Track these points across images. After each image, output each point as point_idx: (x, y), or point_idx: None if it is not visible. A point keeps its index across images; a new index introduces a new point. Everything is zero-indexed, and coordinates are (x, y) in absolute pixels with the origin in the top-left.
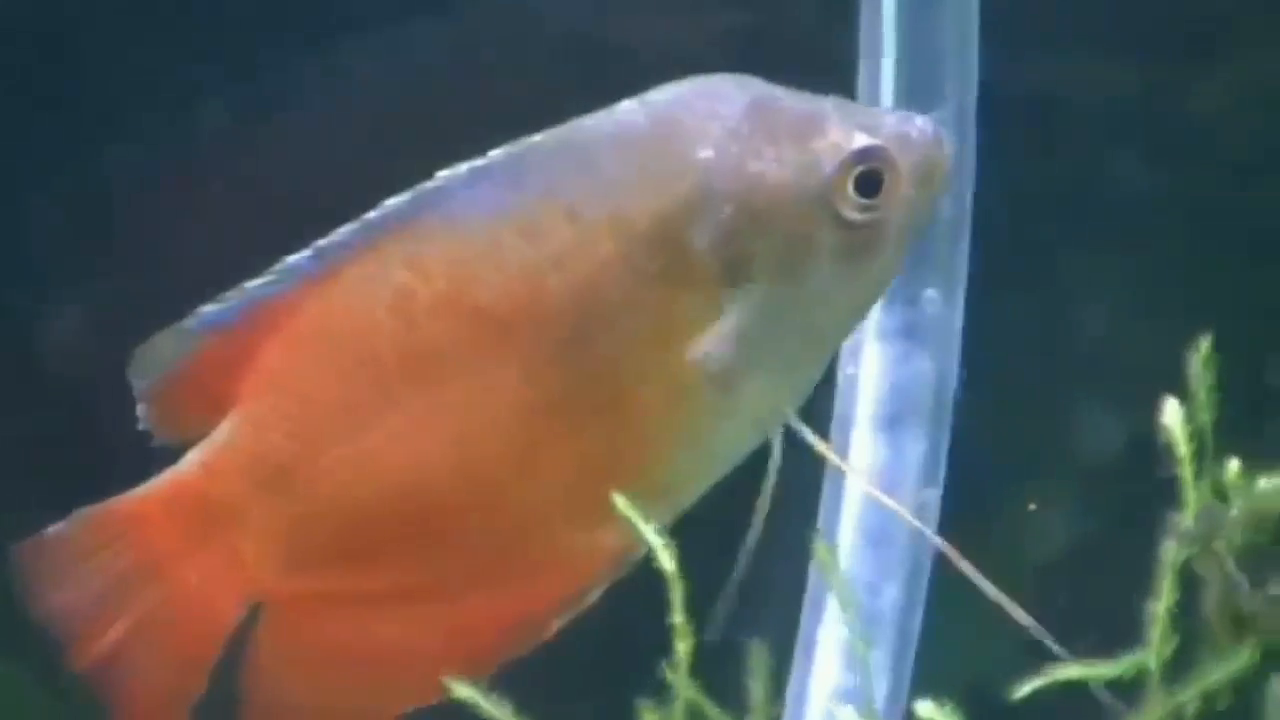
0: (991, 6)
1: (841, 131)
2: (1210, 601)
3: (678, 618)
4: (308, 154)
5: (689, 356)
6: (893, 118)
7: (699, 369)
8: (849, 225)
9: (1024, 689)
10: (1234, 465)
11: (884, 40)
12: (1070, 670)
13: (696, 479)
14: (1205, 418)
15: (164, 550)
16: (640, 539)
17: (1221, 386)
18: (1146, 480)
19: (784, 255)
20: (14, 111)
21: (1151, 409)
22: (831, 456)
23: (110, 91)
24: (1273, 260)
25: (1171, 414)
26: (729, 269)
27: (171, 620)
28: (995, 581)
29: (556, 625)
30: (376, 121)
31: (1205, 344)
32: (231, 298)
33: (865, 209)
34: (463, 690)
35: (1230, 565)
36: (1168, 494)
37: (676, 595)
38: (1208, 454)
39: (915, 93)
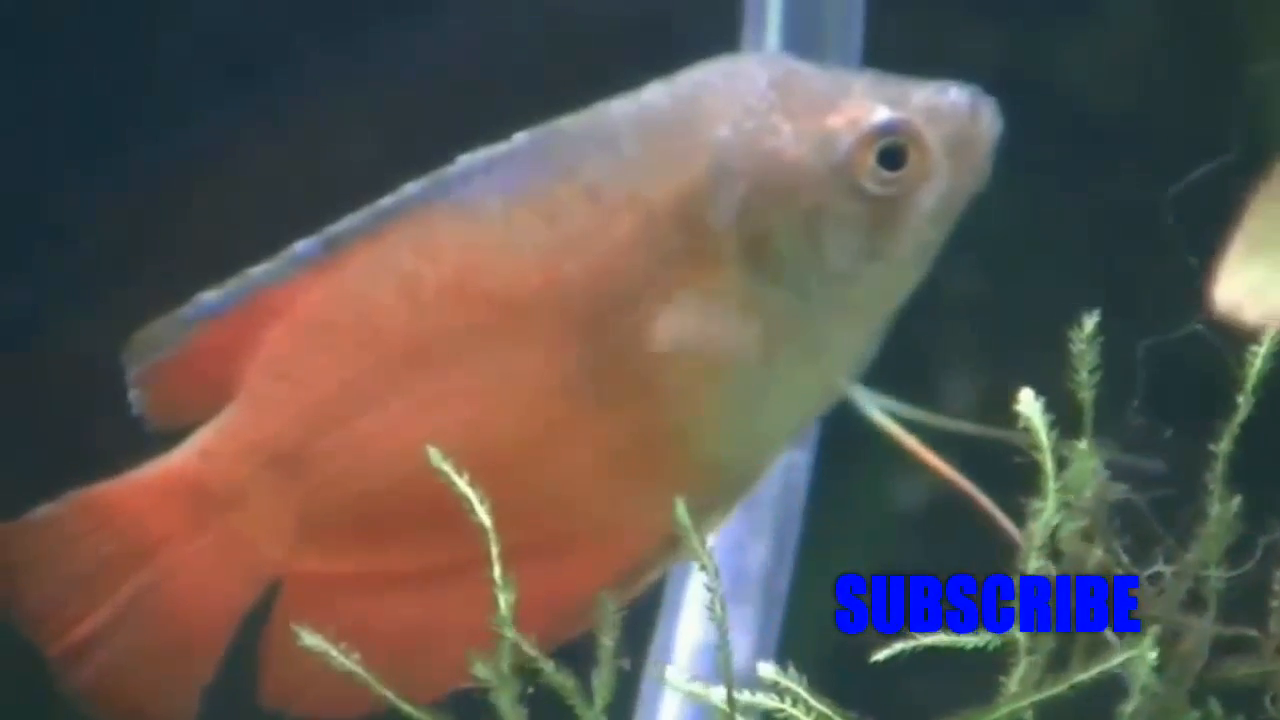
0: None
1: (862, 106)
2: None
3: (496, 572)
4: (327, 145)
5: (714, 334)
6: (925, 90)
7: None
8: (871, 199)
9: (884, 653)
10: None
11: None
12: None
13: (749, 458)
14: (1086, 394)
15: (156, 535)
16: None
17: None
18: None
19: (804, 232)
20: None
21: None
22: (891, 427)
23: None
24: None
25: (1028, 404)
26: (749, 247)
27: (167, 606)
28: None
29: (609, 608)
30: (403, 110)
31: (1090, 322)
32: (232, 285)
33: (888, 182)
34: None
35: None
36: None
37: (492, 549)
38: (1086, 431)
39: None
